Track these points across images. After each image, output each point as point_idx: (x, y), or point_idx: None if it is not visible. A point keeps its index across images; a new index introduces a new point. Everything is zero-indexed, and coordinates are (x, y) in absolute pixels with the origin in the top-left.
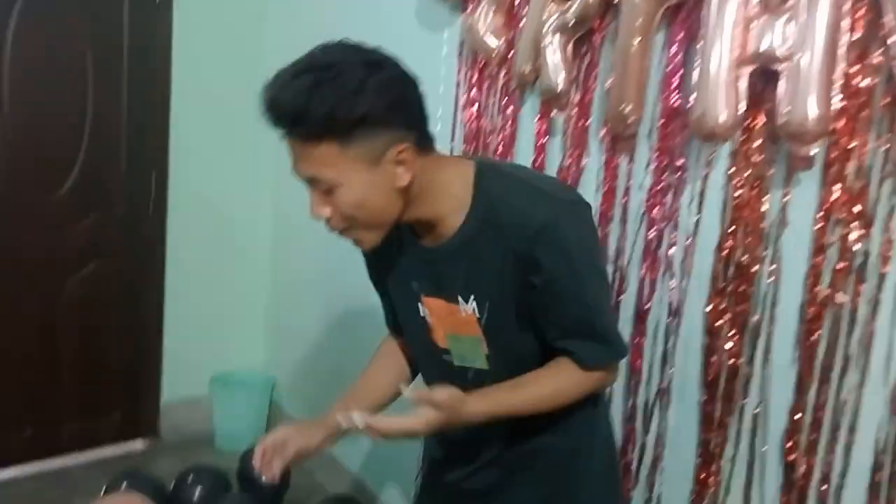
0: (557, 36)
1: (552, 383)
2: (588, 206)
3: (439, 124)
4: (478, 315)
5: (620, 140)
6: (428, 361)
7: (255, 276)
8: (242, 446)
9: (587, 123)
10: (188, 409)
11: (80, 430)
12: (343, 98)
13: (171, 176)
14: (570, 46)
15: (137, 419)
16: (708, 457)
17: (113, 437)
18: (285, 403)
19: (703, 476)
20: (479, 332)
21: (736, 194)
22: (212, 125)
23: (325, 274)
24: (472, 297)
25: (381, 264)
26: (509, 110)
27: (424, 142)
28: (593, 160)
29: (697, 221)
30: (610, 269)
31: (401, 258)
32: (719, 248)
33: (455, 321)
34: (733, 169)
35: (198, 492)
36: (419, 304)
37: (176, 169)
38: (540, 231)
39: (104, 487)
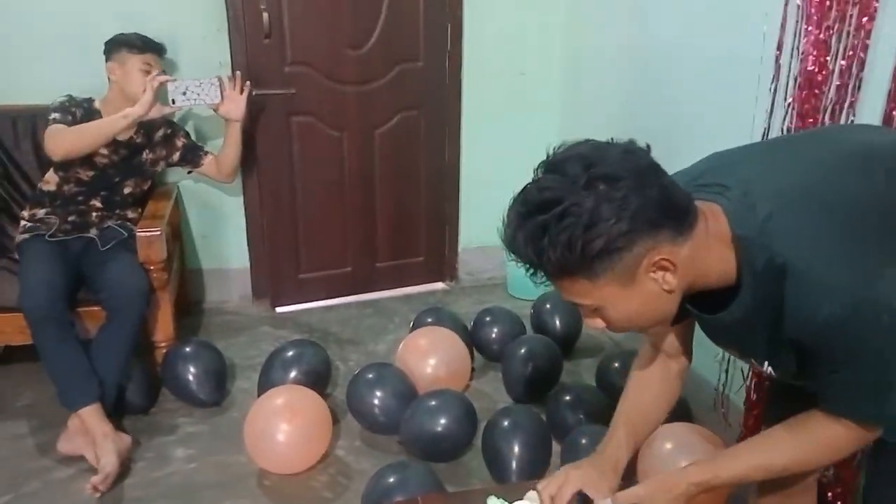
0: None
1: (793, 445)
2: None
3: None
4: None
5: None
6: None
7: (546, 126)
8: (533, 294)
9: None
10: (483, 256)
11: (392, 269)
12: (575, 239)
13: (466, 29)
14: None
15: (439, 262)
16: None
17: (418, 277)
18: None
19: None
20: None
21: None
22: None
23: (615, 123)
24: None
25: None
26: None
27: (681, 230)
28: None
29: None
30: None
31: None
32: None
33: None
34: None
35: (496, 331)
36: None
37: (470, 22)
38: (821, 330)
39: (413, 320)
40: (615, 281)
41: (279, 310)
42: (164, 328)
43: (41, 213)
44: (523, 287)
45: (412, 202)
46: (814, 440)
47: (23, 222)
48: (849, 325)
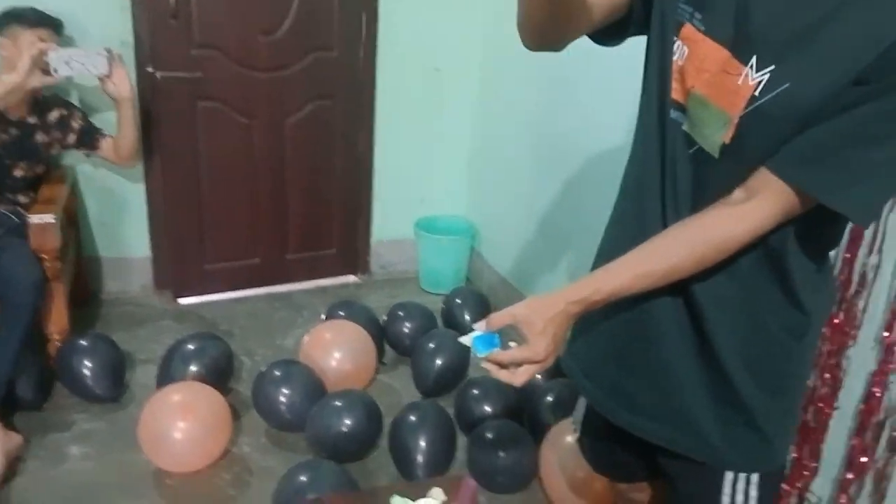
0: None
1: (685, 243)
2: None
3: None
4: (756, 92)
5: None
6: (648, 107)
7: (459, 122)
8: (444, 288)
9: None
10: (396, 249)
11: (303, 262)
12: None
13: (381, 18)
14: None
15: (352, 255)
16: None
17: (330, 269)
18: (485, 251)
19: None
20: (737, 112)
21: None
22: None
23: (529, 123)
24: (765, 63)
25: None
26: None
27: None
28: None
29: None
30: None
31: None
32: None
33: (718, 81)
34: None
35: (407, 325)
36: (674, 37)
37: (385, 11)
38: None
39: (323, 314)
40: None
41: (182, 301)
42: (58, 320)
43: None
44: (435, 281)
45: (324, 193)
46: (710, 237)
47: None
48: None
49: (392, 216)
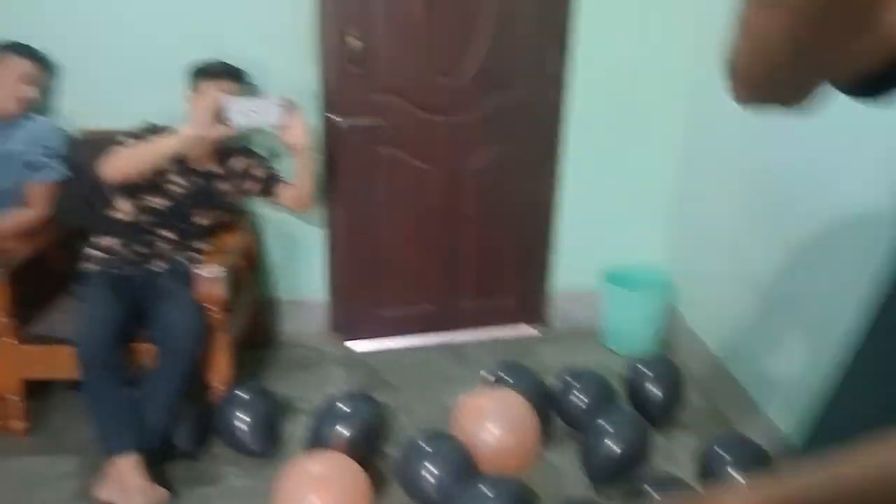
0: None
1: None
2: None
3: None
4: None
5: None
6: None
7: (659, 163)
8: (633, 350)
9: None
10: (579, 302)
11: (477, 310)
12: None
13: (573, 55)
14: None
15: (530, 305)
16: None
17: (506, 319)
18: (685, 311)
19: None
20: None
21: None
22: None
23: (744, 171)
24: None
25: None
26: None
27: None
28: None
29: None
30: None
31: None
32: None
33: None
34: None
35: (580, 394)
36: None
37: (578, 47)
38: None
39: (490, 372)
40: None
41: (354, 346)
42: (220, 370)
43: (112, 242)
44: (622, 340)
45: (502, 239)
46: None
47: (89, 250)
48: None
49: (576, 265)
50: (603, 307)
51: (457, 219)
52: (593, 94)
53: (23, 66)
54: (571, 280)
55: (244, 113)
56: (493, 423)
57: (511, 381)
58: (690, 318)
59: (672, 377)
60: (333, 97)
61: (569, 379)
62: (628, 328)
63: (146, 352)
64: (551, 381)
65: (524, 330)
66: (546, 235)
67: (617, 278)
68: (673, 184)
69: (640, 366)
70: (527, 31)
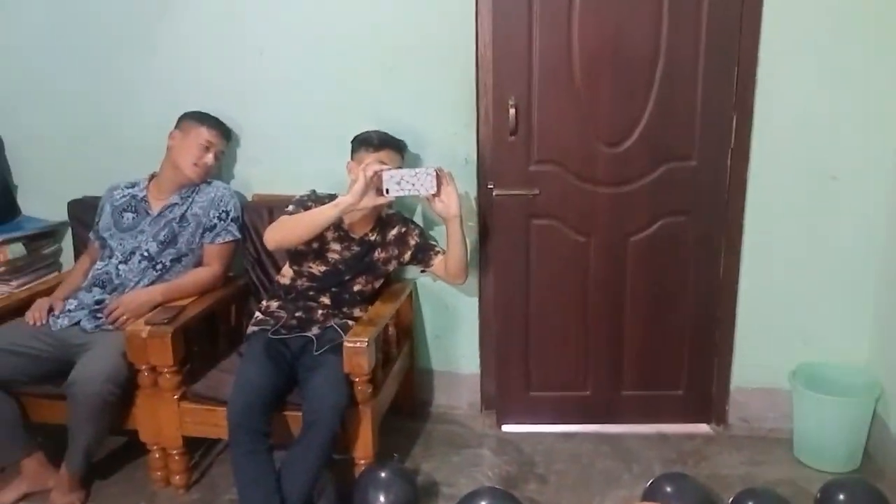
0: None
1: None
2: None
3: None
4: None
5: None
6: None
7: (862, 242)
8: (828, 464)
9: None
10: (764, 400)
11: (641, 401)
12: None
13: (756, 120)
14: None
15: (703, 400)
16: None
17: (675, 414)
18: (893, 420)
19: None
20: None
21: None
22: (806, 49)
23: None
24: None
25: None
26: None
27: None
28: None
29: None
30: None
31: None
32: None
33: None
34: None
35: None
36: None
37: (761, 110)
38: None
39: (650, 482)
40: None
41: (506, 428)
42: (363, 444)
43: (273, 305)
44: (816, 451)
45: (671, 323)
46: None
47: (256, 313)
48: None
49: (761, 357)
50: (792, 409)
51: (620, 297)
52: (778, 162)
53: (205, 134)
54: (755, 374)
55: (399, 182)
56: None
57: (674, 496)
58: None
59: (872, 499)
60: (489, 167)
61: (745, 500)
62: (823, 437)
63: (296, 421)
64: (725, 494)
65: (697, 428)
66: (725, 319)
67: (811, 377)
68: (880, 265)
69: (834, 490)
70: (701, 94)
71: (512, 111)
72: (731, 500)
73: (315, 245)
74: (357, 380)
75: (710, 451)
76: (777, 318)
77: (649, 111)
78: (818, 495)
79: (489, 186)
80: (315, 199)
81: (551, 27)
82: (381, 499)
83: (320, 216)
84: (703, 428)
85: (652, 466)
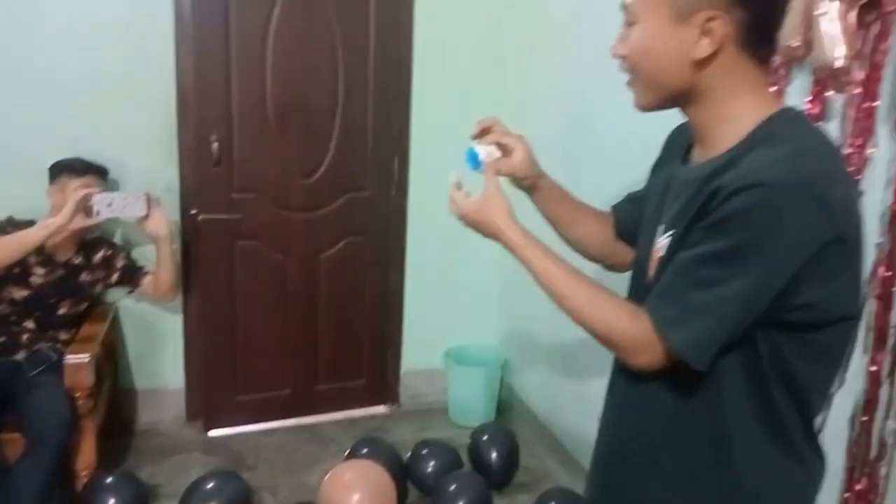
0: (836, 3)
1: (595, 292)
2: (826, 215)
3: None
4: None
5: None
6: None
7: (489, 252)
8: (474, 421)
9: (873, 106)
10: (425, 380)
11: (332, 393)
12: None
13: (412, 161)
14: (851, 14)
15: (380, 385)
16: None
17: (359, 400)
18: (516, 384)
19: None
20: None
21: None
22: (448, 113)
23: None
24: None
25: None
26: (772, 89)
27: (749, 38)
28: (882, 151)
29: None
30: None
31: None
32: None
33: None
34: None
35: (431, 466)
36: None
37: (416, 154)
38: (747, 187)
39: (347, 451)
40: (672, 4)
41: (213, 433)
42: (86, 456)
43: None
44: (464, 414)
45: (355, 325)
46: (610, 308)
47: None
48: (774, 194)
49: (422, 346)
50: (447, 384)
51: (313, 306)
52: (428, 193)
53: None
54: (418, 360)
55: (110, 205)
56: (357, 492)
57: (369, 454)
58: (520, 389)
59: (508, 444)
60: (192, 194)
61: (419, 450)
62: (469, 402)
63: (15, 443)
64: (405, 453)
65: (377, 410)
66: (394, 319)
67: (458, 356)
68: (501, 267)
69: (480, 435)
70: (371, 140)
71: (215, 145)
72: (409, 453)
73: (16, 269)
74: (79, 394)
75: (389, 426)
76: (431, 315)
77: (332, 151)
78: (469, 440)
79: (192, 212)
80: (14, 225)
81: (248, 78)
82: (112, 502)
83: (27, 238)
84: (382, 409)
85: (345, 445)
